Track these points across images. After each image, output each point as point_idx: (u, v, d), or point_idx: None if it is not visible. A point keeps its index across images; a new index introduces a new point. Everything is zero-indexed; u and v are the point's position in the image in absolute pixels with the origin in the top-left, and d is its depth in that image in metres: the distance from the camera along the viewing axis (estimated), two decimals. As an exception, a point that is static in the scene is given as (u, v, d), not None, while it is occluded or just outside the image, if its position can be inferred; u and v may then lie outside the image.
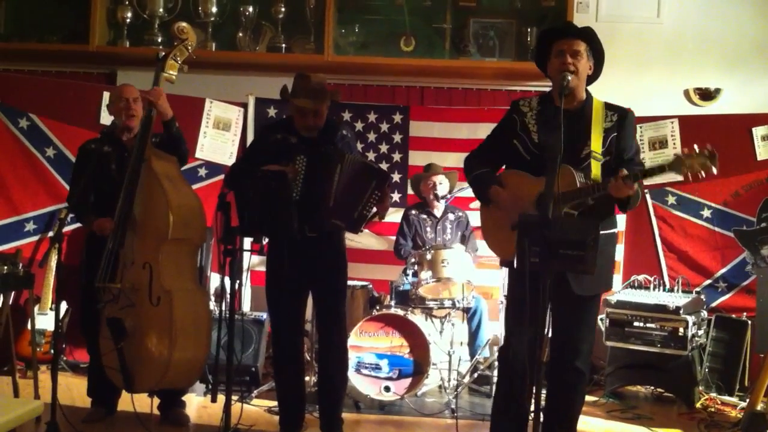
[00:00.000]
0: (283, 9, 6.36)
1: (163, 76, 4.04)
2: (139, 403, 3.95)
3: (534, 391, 2.96)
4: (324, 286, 3.93)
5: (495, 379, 5.07)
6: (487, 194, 3.48)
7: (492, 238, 3.61)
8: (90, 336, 4.14)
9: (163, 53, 4.10)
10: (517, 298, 3.31)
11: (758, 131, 5.78)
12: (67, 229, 5.36)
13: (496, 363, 5.06)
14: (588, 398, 5.13)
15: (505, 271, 5.10)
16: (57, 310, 3.88)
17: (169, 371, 3.68)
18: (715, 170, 3.11)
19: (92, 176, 3.98)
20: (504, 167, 3.61)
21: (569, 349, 3.43)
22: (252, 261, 5.76)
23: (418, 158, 6.10)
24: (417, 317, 4.97)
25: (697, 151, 3.10)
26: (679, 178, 3.25)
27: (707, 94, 6.31)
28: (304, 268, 3.82)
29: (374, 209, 3.73)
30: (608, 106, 3.44)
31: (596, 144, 3.33)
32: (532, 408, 3.00)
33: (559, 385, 3.47)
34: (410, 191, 5.94)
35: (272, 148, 3.80)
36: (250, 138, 6.26)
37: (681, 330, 5.03)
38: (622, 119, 3.40)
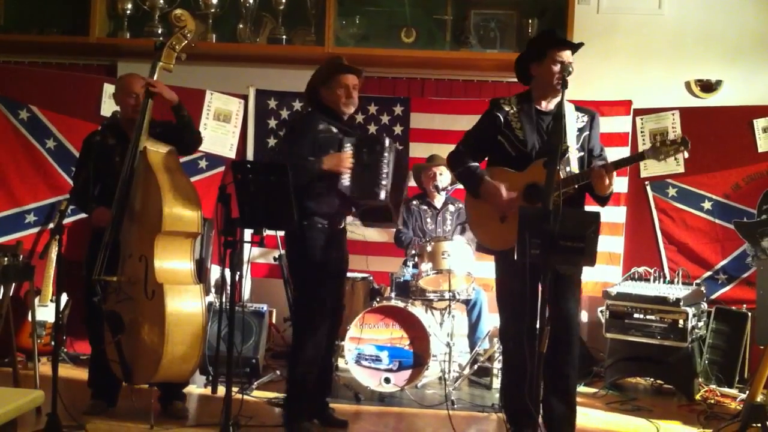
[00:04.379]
0: (283, 1, 6.34)
1: (159, 66, 4.01)
2: (140, 395, 3.97)
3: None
4: (339, 280, 4.18)
5: (495, 371, 5.09)
6: (479, 188, 3.66)
7: (482, 230, 3.80)
8: (92, 328, 4.14)
9: (160, 42, 4.07)
10: (517, 289, 3.37)
11: (759, 123, 5.77)
12: (67, 221, 5.36)
13: (496, 354, 5.08)
14: (587, 390, 5.16)
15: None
16: (57, 302, 3.88)
17: (162, 365, 3.68)
18: (686, 154, 3.37)
19: (94, 167, 3.96)
20: (486, 161, 3.84)
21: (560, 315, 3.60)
22: (252, 253, 5.78)
23: (418, 150, 6.10)
24: (417, 309, 4.96)
25: (671, 139, 3.37)
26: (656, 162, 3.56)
27: (708, 86, 6.29)
28: (338, 259, 4.04)
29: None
30: (577, 108, 3.75)
31: (571, 141, 3.60)
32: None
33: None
34: (411, 183, 5.94)
35: (320, 139, 3.88)
36: (250, 130, 6.26)
37: (681, 322, 5.03)
38: (591, 119, 3.75)
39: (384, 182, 3.82)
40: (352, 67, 4.01)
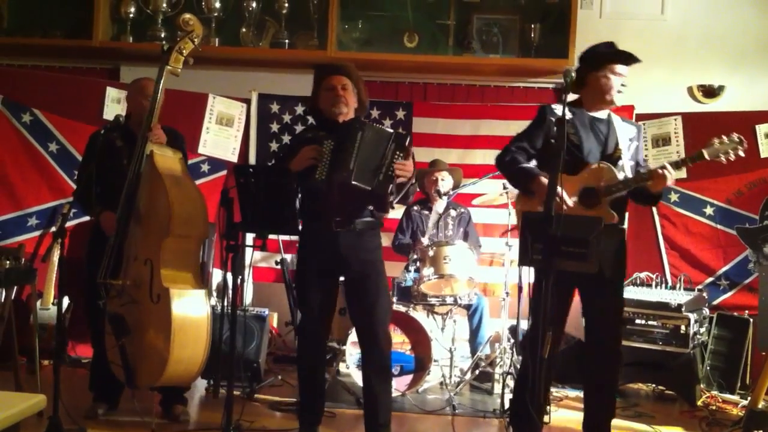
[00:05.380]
0: (286, 5, 6.35)
1: (167, 70, 3.99)
2: (142, 398, 3.96)
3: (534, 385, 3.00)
4: (355, 286, 3.84)
5: (497, 376, 5.08)
6: (531, 184, 3.66)
7: None
8: (95, 331, 4.14)
9: (168, 46, 4.04)
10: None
11: (762, 129, 5.77)
12: (69, 224, 5.38)
13: (498, 359, 5.08)
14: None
15: (506, 268, 5.14)
16: (59, 306, 3.88)
17: (167, 369, 3.67)
18: (742, 153, 3.62)
19: (100, 167, 3.93)
20: (534, 164, 3.83)
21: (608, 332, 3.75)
22: (254, 257, 5.79)
23: (421, 155, 6.01)
24: (419, 314, 4.97)
25: (729, 138, 3.63)
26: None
27: (711, 92, 6.29)
28: (334, 264, 3.78)
29: (399, 172, 3.64)
30: (623, 119, 3.86)
31: (623, 149, 3.71)
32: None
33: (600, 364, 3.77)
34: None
35: (307, 144, 3.77)
36: (253, 133, 6.28)
37: (683, 328, 5.03)
38: (638, 132, 3.87)
39: (350, 162, 3.59)
40: (332, 65, 3.91)
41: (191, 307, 3.77)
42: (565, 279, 3.33)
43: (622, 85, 3.69)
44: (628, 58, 3.74)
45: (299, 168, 3.67)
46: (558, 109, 3.70)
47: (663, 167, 3.56)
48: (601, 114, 3.78)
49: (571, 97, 3.78)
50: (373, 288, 3.80)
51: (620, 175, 3.63)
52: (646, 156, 5.85)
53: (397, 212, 5.81)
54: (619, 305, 3.85)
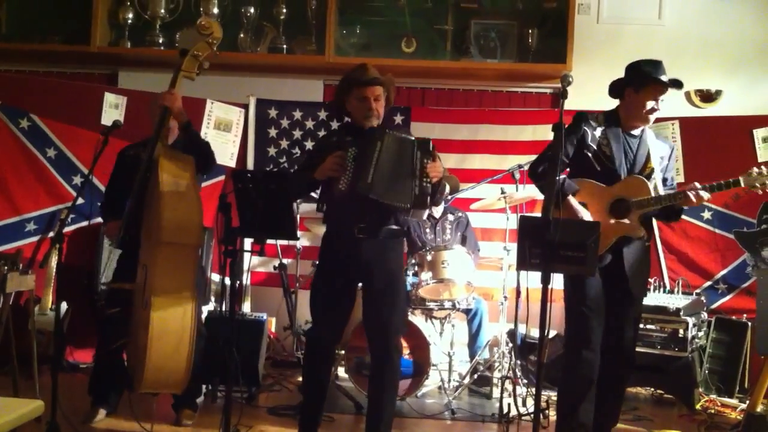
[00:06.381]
0: (284, 10, 6.37)
1: (182, 75, 3.91)
2: (140, 403, 3.96)
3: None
4: (373, 295, 3.74)
5: (495, 381, 5.07)
6: (562, 202, 3.65)
7: None
8: (101, 335, 4.14)
9: (182, 49, 3.95)
10: (594, 300, 3.67)
11: (759, 133, 5.78)
12: (67, 229, 5.38)
13: (496, 364, 5.08)
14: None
15: (505, 272, 5.14)
16: (57, 311, 3.88)
17: (145, 375, 3.62)
18: None
19: (128, 180, 3.90)
20: (567, 171, 3.89)
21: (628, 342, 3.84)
22: (252, 262, 5.79)
23: (418, 159, 6.09)
24: (417, 318, 4.97)
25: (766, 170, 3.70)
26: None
27: (708, 96, 6.30)
28: (355, 272, 3.70)
29: (433, 173, 3.53)
30: (657, 136, 3.91)
31: (656, 166, 3.78)
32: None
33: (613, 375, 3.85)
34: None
35: (331, 150, 3.64)
36: (251, 139, 6.28)
37: (681, 331, 5.03)
38: (671, 150, 3.91)
39: (368, 172, 3.46)
40: (372, 78, 3.66)
41: (174, 317, 3.68)
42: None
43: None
44: (675, 85, 3.77)
45: (322, 178, 3.60)
46: (593, 119, 3.78)
47: (696, 190, 3.63)
48: (635, 130, 3.81)
49: (609, 105, 3.90)
50: (391, 299, 3.72)
51: (652, 191, 3.68)
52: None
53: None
54: (640, 316, 3.97)
